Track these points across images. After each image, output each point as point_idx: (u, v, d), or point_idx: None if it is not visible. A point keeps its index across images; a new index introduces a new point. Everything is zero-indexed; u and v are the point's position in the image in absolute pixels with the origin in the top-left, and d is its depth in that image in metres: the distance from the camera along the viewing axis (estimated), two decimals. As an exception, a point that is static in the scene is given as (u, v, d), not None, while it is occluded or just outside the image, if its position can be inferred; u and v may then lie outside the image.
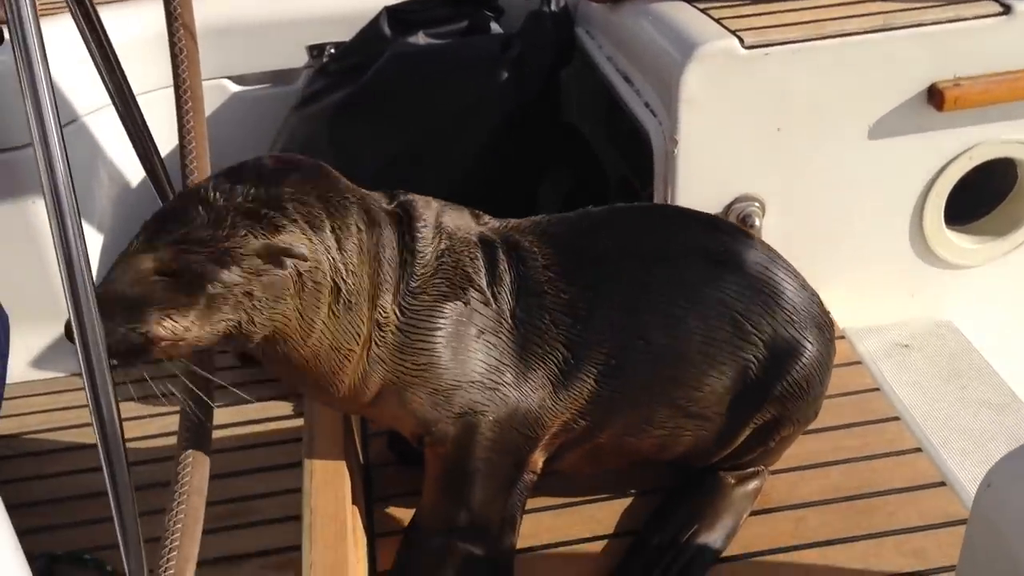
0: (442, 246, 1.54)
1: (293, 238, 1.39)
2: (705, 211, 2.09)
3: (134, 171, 2.70)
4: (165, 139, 2.59)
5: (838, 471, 1.81)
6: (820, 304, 1.66)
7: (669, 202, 2.12)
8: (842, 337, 2.12)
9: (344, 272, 1.44)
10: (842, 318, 2.17)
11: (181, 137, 1.92)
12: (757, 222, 2.10)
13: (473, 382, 1.53)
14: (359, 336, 1.49)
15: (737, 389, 1.60)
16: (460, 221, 1.59)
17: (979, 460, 1.83)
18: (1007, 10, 2.00)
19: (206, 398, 1.61)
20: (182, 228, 1.36)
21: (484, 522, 1.61)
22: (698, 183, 2.09)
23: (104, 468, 1.24)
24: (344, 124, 2.47)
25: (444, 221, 1.57)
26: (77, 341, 1.19)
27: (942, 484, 1.76)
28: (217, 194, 1.39)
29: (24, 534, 1.89)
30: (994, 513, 1.01)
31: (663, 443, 1.65)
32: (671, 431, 1.63)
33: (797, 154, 2.08)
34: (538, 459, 1.64)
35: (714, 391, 1.59)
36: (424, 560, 1.63)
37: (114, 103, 1.85)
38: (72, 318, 1.19)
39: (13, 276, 2.46)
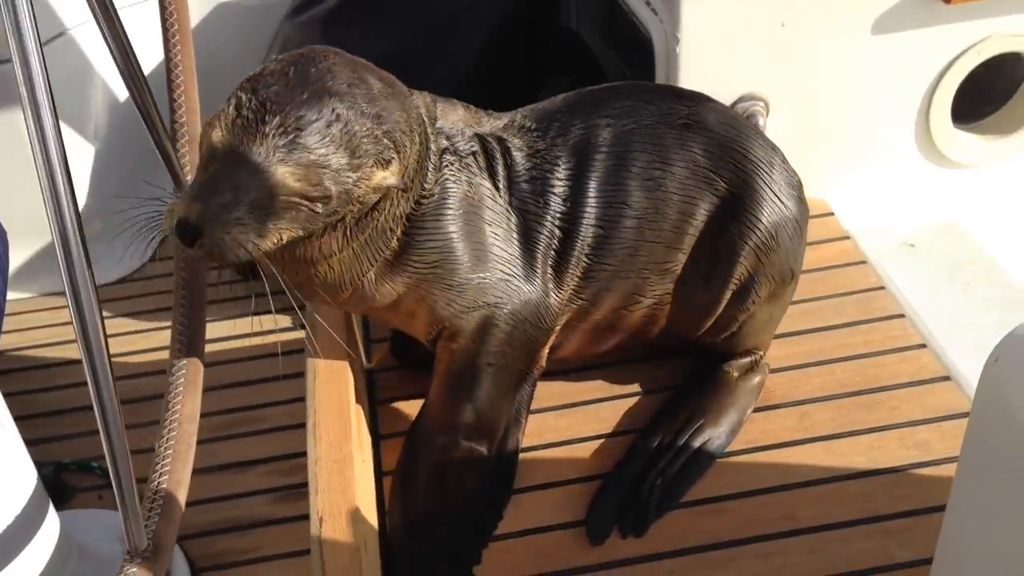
0: (443, 144, 1.53)
1: (397, 172, 1.41)
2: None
3: (118, 87, 2.66)
4: (151, 53, 2.55)
5: (842, 368, 1.80)
6: (784, 160, 1.69)
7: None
8: (847, 238, 2.10)
9: (401, 201, 1.46)
10: (847, 218, 2.15)
11: (167, 50, 1.87)
12: (761, 121, 2.07)
13: (485, 276, 1.54)
14: (382, 252, 1.49)
15: (714, 245, 1.63)
16: (455, 116, 1.58)
17: (983, 354, 1.82)
18: None
19: (197, 328, 1.61)
20: (321, 147, 1.32)
21: (489, 420, 1.62)
22: (700, 83, 2.04)
23: (91, 389, 1.23)
24: (339, 29, 2.42)
25: (441, 117, 1.56)
26: (60, 261, 1.17)
27: (946, 379, 1.76)
28: (349, 113, 1.34)
29: (34, 443, 1.91)
30: (1001, 389, 1.00)
31: (652, 313, 1.68)
32: (659, 299, 1.66)
33: (801, 51, 2.04)
34: (544, 350, 1.65)
35: (693, 249, 1.63)
36: (429, 458, 1.64)
37: (96, 17, 1.80)
38: (55, 238, 1.15)
39: (11, 192, 2.44)
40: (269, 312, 1.90)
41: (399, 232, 1.50)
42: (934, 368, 1.77)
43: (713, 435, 1.68)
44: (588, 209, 1.60)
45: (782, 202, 1.64)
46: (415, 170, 1.46)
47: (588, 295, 1.63)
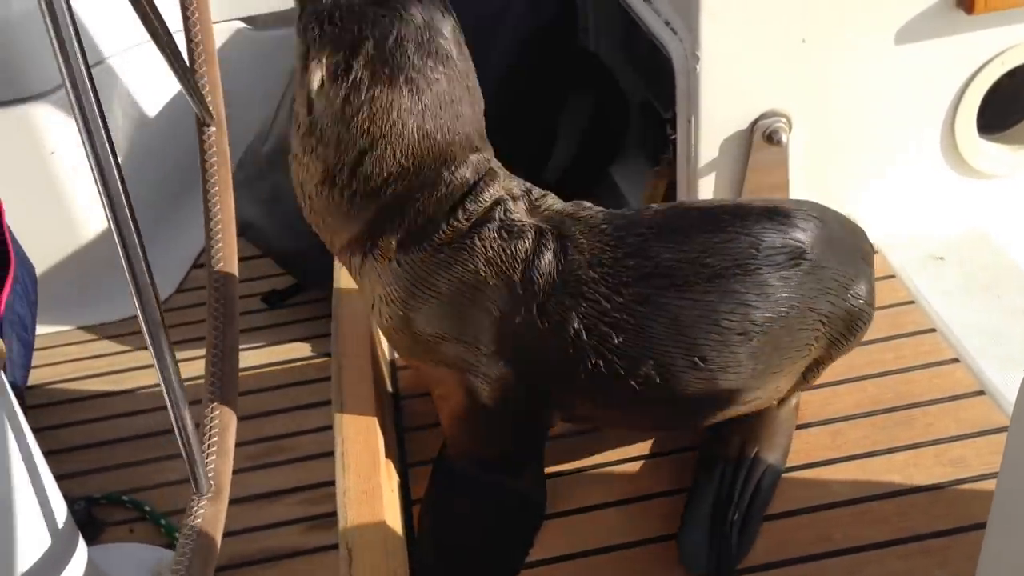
0: (489, 216, 1.44)
1: (320, 81, 1.38)
2: (733, 128, 2.06)
3: (151, 114, 2.69)
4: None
5: (874, 385, 1.78)
6: (865, 241, 1.59)
7: (692, 122, 2.07)
8: (876, 251, 2.07)
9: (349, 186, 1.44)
10: (875, 231, 2.11)
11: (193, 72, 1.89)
12: (784, 138, 2.05)
13: (448, 353, 1.48)
14: (347, 224, 1.47)
15: (795, 370, 1.54)
16: (524, 201, 1.49)
17: (1018, 367, 1.79)
18: (1037, -96, 1.93)
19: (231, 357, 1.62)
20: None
21: (501, 455, 1.60)
22: (722, 101, 2.04)
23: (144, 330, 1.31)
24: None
25: (509, 195, 1.48)
26: (130, 282, 1.23)
27: (981, 393, 1.73)
28: (375, 28, 1.37)
29: (63, 479, 1.92)
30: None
31: (707, 421, 1.60)
32: (717, 414, 1.57)
33: (823, 65, 2.02)
34: (554, 414, 1.58)
35: (775, 386, 1.54)
36: (453, 491, 1.62)
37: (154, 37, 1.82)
38: (123, 261, 1.21)
39: (38, 229, 2.47)
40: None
41: (389, 257, 1.46)
42: (968, 383, 1.75)
43: (770, 462, 1.63)
44: (645, 352, 1.42)
45: (867, 304, 1.54)
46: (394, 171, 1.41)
47: (625, 413, 1.55)
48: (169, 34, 1.71)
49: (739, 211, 1.47)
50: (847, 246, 1.52)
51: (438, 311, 1.46)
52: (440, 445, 1.69)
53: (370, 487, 1.46)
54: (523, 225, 1.46)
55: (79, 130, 1.16)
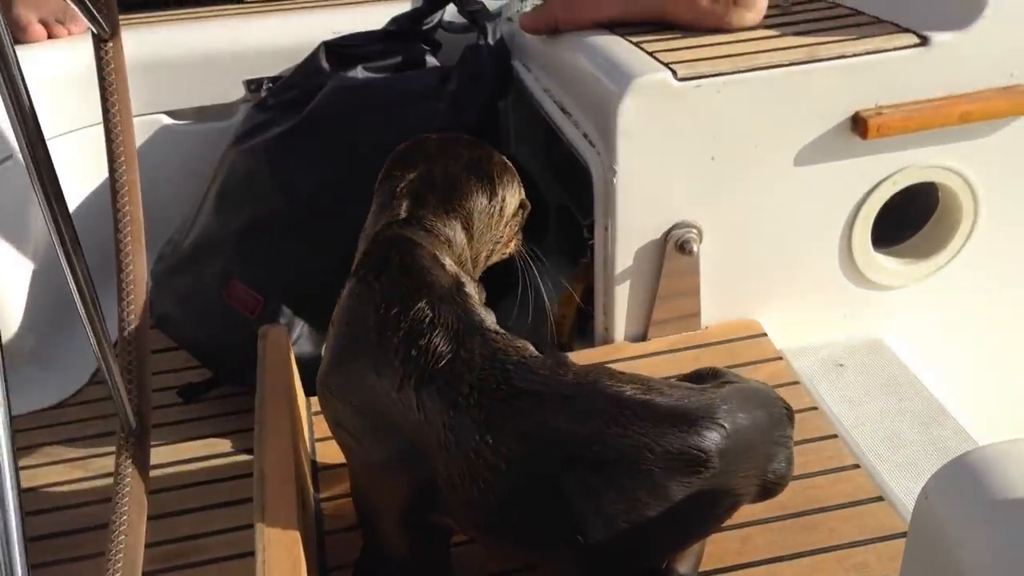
0: (390, 256, 1.52)
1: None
2: (648, 238, 2.16)
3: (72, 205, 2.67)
4: (97, 175, 2.57)
5: (782, 489, 1.86)
6: (783, 422, 1.55)
7: (609, 229, 2.16)
8: (780, 358, 2.18)
9: None
10: (778, 339, 2.24)
11: (112, 172, 1.89)
12: (695, 248, 2.16)
13: (343, 401, 1.53)
14: None
15: (702, 540, 1.60)
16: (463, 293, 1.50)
17: (913, 473, 1.90)
18: (924, 41, 2.10)
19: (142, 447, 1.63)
20: None
21: (394, 552, 1.60)
22: (637, 211, 2.14)
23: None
24: (284, 157, 2.47)
25: (438, 272, 1.51)
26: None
27: (880, 499, 1.82)
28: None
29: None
30: (932, 525, 1.06)
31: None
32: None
33: (730, 182, 2.15)
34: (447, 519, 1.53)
35: (678, 553, 1.57)
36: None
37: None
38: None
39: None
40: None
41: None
42: (868, 488, 1.84)
43: (682, 572, 1.65)
44: (513, 503, 1.37)
45: (790, 463, 1.57)
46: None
47: (497, 547, 1.54)
48: None
49: (645, 409, 1.37)
50: (760, 440, 1.49)
51: (337, 355, 1.53)
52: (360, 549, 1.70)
53: (293, 597, 1.46)
54: (418, 289, 1.46)
55: (39, 201, 1.23)
